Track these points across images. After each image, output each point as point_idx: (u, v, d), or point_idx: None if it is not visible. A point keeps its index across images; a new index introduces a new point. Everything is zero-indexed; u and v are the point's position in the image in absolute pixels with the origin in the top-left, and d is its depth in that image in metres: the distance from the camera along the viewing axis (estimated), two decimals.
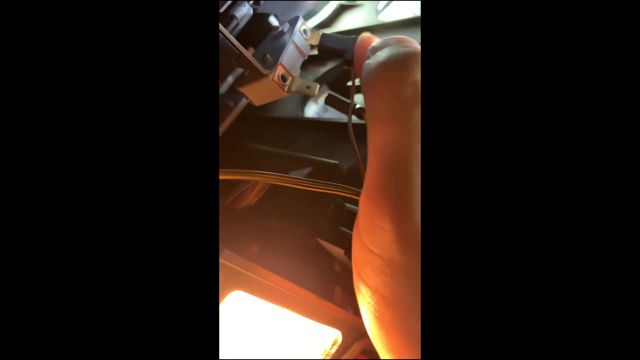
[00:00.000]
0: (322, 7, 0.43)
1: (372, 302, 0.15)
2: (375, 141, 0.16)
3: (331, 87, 0.44)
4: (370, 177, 0.16)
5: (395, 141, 0.15)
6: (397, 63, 0.17)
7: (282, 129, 0.40)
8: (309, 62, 0.44)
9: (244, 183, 0.38)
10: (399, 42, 0.18)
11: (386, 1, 0.42)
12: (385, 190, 0.15)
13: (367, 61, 0.18)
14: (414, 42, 0.18)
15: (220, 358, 0.30)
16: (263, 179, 0.26)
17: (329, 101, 0.29)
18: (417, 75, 0.16)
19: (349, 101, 0.25)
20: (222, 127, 0.37)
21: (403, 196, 0.14)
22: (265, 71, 0.26)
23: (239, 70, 0.34)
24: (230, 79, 0.37)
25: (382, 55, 0.17)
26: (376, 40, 0.20)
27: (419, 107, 0.15)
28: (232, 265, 0.23)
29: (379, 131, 0.16)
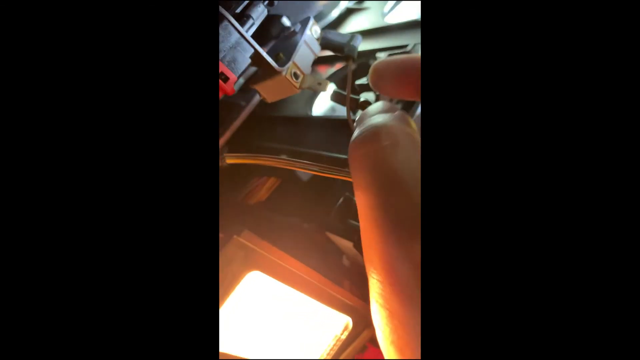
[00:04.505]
0: (330, 10, 0.44)
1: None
2: (358, 205, 0.18)
3: (338, 87, 0.45)
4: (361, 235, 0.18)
5: (369, 205, 0.17)
6: (365, 140, 0.18)
7: (291, 128, 0.41)
8: (317, 63, 0.45)
9: (255, 179, 0.39)
10: (372, 114, 0.19)
11: (393, 2, 0.43)
12: (368, 247, 0.16)
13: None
14: (392, 108, 0.20)
15: (234, 341, 0.30)
16: (274, 163, 0.27)
17: (335, 97, 0.31)
18: (388, 143, 0.17)
19: (353, 97, 0.27)
20: (234, 126, 0.39)
21: (384, 252, 0.16)
22: (278, 68, 0.27)
23: (250, 71, 0.35)
24: (241, 80, 0.38)
25: (355, 132, 0.19)
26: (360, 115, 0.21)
27: (397, 170, 0.16)
28: (252, 246, 0.24)
29: (358, 197, 0.18)
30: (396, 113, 0.19)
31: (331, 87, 0.32)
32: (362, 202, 0.17)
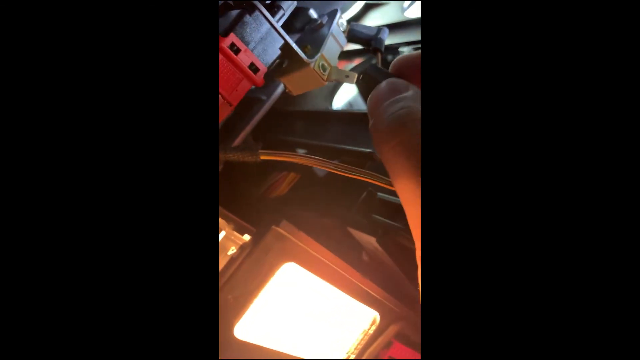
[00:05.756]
0: (349, 6, 0.44)
1: None
2: (400, 193, 0.18)
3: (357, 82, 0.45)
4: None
5: (414, 190, 0.17)
6: (394, 132, 0.18)
7: (311, 122, 0.41)
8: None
9: (276, 174, 0.39)
10: (391, 92, 0.19)
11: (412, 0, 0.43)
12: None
13: (370, 126, 0.20)
14: (403, 86, 0.19)
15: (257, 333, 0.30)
16: (301, 161, 0.27)
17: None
18: (414, 132, 0.17)
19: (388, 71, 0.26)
20: (255, 120, 0.39)
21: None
22: (307, 60, 0.27)
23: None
24: None
25: (380, 121, 0.19)
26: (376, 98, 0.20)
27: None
28: (290, 237, 0.24)
29: (399, 184, 0.18)
30: (411, 94, 0.19)
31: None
32: (405, 188, 0.17)
